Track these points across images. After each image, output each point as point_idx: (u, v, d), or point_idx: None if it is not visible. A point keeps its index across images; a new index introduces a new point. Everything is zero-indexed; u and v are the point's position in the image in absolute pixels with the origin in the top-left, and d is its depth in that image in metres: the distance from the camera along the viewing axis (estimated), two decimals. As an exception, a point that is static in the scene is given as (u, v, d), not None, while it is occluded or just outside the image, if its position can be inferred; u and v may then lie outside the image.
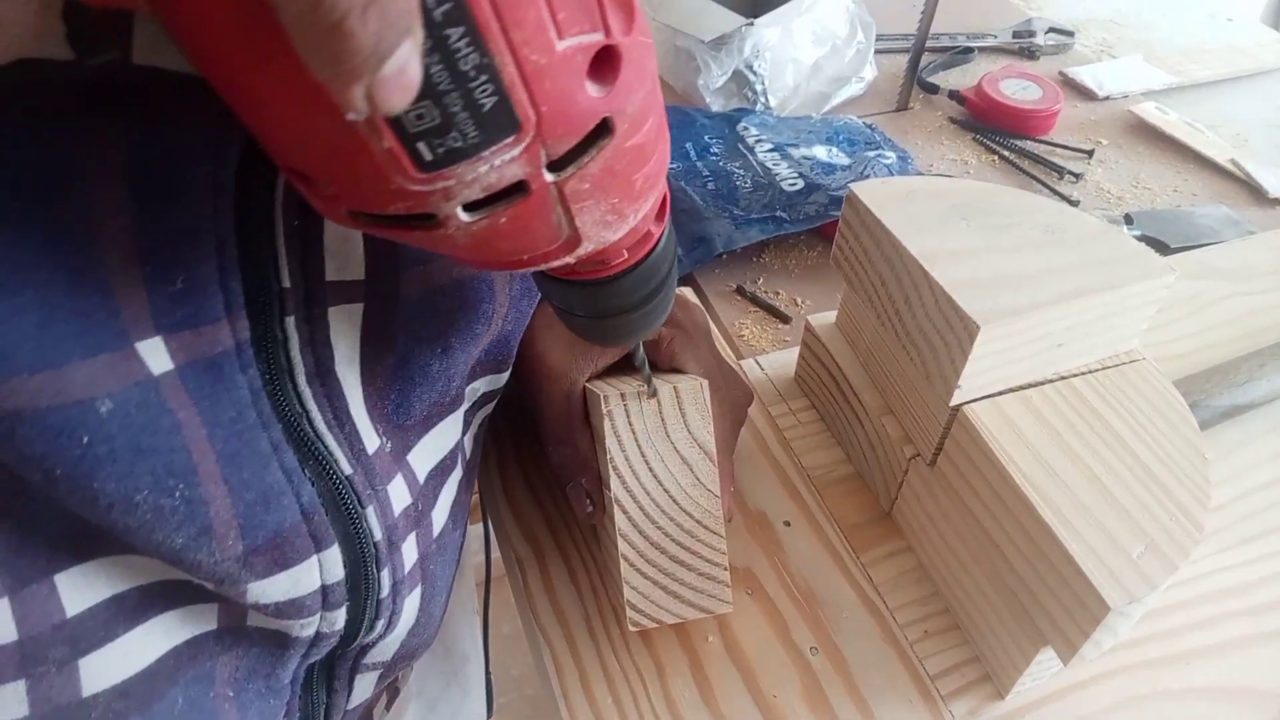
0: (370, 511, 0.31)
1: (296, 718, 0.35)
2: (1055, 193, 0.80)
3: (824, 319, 0.52)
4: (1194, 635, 0.44)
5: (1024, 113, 0.87)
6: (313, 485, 0.29)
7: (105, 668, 0.27)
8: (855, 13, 0.92)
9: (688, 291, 0.65)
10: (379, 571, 0.32)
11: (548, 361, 0.42)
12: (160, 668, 0.29)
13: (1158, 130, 0.88)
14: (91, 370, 0.23)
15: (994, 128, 0.88)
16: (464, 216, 0.20)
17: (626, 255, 0.27)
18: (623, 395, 0.40)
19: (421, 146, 0.18)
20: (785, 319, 0.66)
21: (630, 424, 0.39)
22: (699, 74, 0.85)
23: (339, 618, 0.32)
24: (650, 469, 0.39)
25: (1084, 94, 0.96)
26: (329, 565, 0.30)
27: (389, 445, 0.33)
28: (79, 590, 0.26)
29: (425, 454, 0.36)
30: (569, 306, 0.30)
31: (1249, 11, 1.19)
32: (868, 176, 0.73)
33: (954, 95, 0.91)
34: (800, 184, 0.73)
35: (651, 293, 0.30)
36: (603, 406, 0.39)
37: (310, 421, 0.30)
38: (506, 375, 0.42)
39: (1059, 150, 0.85)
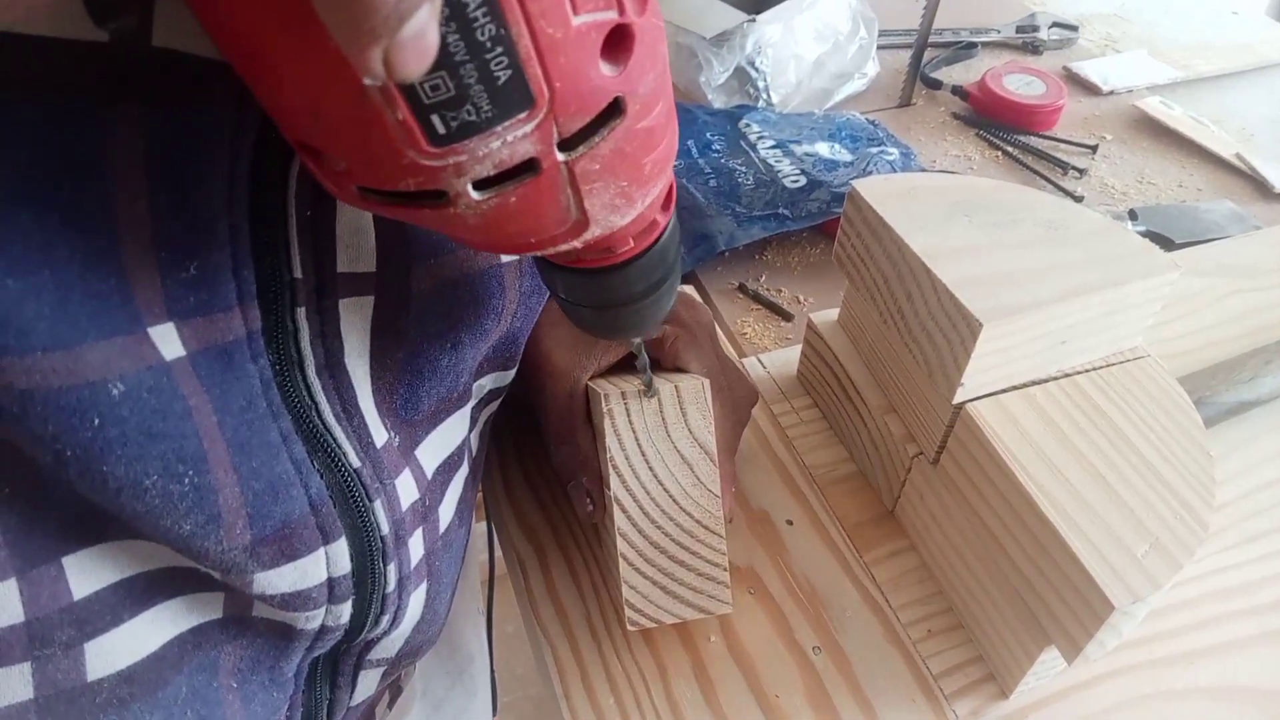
0: (378, 505, 0.32)
1: (300, 713, 0.35)
2: (1059, 188, 0.80)
3: (826, 317, 0.52)
4: (1198, 634, 0.44)
5: (1028, 108, 0.86)
6: (321, 477, 0.30)
7: (111, 652, 0.27)
8: (857, 8, 0.91)
9: (690, 290, 0.65)
10: (385, 566, 0.32)
11: (551, 360, 0.42)
12: (165, 654, 0.29)
13: (1162, 125, 0.88)
14: (105, 352, 0.23)
15: (997, 123, 0.87)
16: (474, 194, 0.20)
17: (632, 244, 0.27)
18: (623, 394, 0.40)
19: (435, 119, 0.18)
20: (788, 317, 0.65)
21: (630, 423, 0.39)
22: (701, 71, 0.85)
23: (344, 611, 0.32)
24: (650, 468, 0.39)
25: (1088, 89, 0.95)
26: (336, 558, 0.30)
27: (397, 439, 0.33)
28: (86, 573, 0.26)
29: (433, 449, 0.36)
30: (573, 297, 0.30)
31: (1255, 5, 1.18)
32: (870, 173, 0.73)
33: (957, 91, 0.91)
34: (802, 181, 0.73)
35: (656, 283, 0.30)
36: (603, 405, 0.39)
37: (319, 413, 0.30)
38: (513, 372, 0.42)
39: (1063, 146, 0.85)
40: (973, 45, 1.01)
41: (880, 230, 0.42)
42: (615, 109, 0.20)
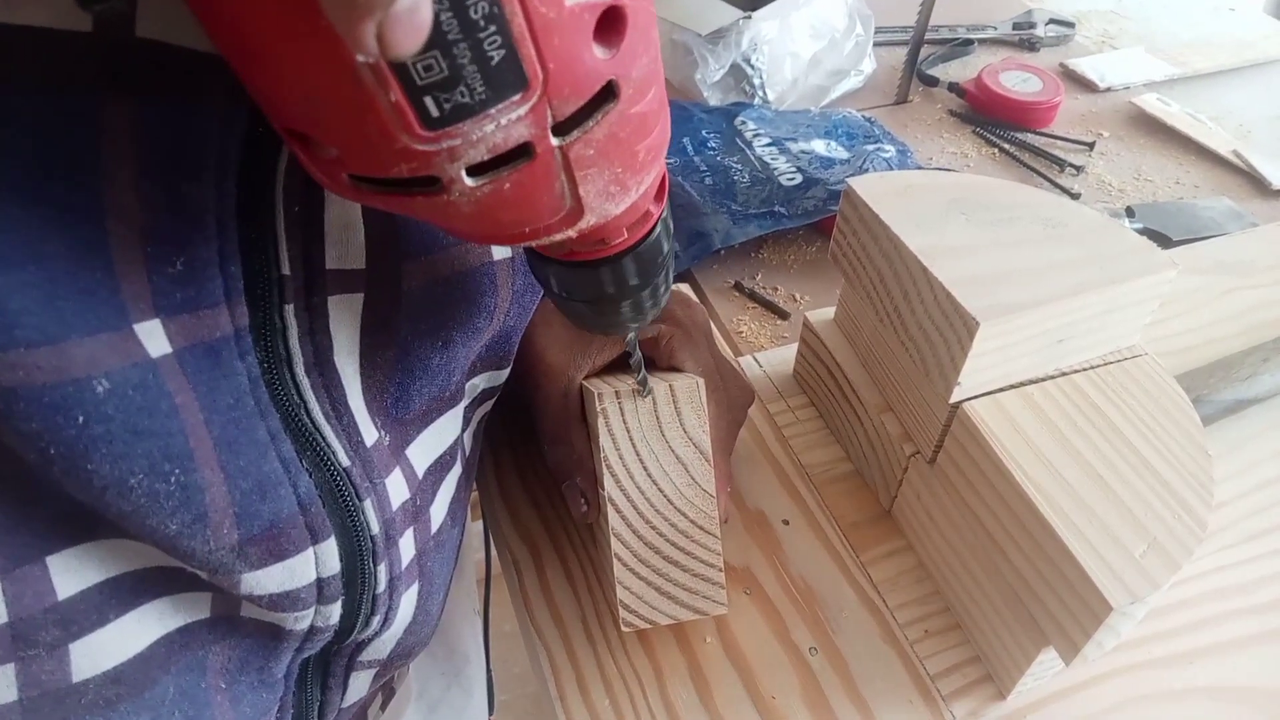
0: (368, 504, 0.31)
1: (290, 714, 0.35)
2: (1056, 186, 0.79)
3: (822, 315, 0.52)
4: (1197, 634, 0.43)
5: (1024, 105, 0.86)
6: (310, 476, 0.29)
7: (97, 653, 0.27)
8: (854, 5, 0.91)
9: (686, 288, 0.65)
10: (375, 566, 0.32)
11: (545, 359, 0.42)
12: (152, 654, 0.29)
13: (1159, 122, 0.88)
14: (91, 348, 0.23)
15: (994, 120, 0.87)
16: (468, 181, 0.19)
17: (626, 235, 0.27)
18: (617, 393, 0.39)
19: (428, 101, 0.17)
20: (784, 315, 0.65)
21: (625, 422, 0.39)
22: (696, 68, 0.85)
23: (334, 612, 0.32)
24: (645, 468, 0.39)
25: (1085, 86, 0.95)
26: (325, 558, 0.30)
27: (387, 438, 0.33)
28: (72, 572, 0.26)
29: (424, 449, 0.35)
30: (566, 291, 0.30)
31: (1252, 2, 1.18)
32: (866, 170, 0.73)
33: (953, 88, 0.90)
34: (799, 178, 0.72)
35: (650, 277, 0.29)
36: (597, 404, 0.39)
37: (308, 412, 0.29)
38: (507, 372, 0.42)
39: (1059, 143, 0.85)
40: (969, 42, 1.00)
41: (876, 228, 0.42)
42: (609, 92, 0.20)
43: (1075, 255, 0.40)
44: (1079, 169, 0.81)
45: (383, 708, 0.47)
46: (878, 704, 0.40)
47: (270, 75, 0.18)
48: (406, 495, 0.34)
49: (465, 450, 0.41)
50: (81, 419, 0.23)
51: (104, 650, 0.27)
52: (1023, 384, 0.41)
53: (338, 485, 0.30)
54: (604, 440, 0.39)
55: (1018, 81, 0.88)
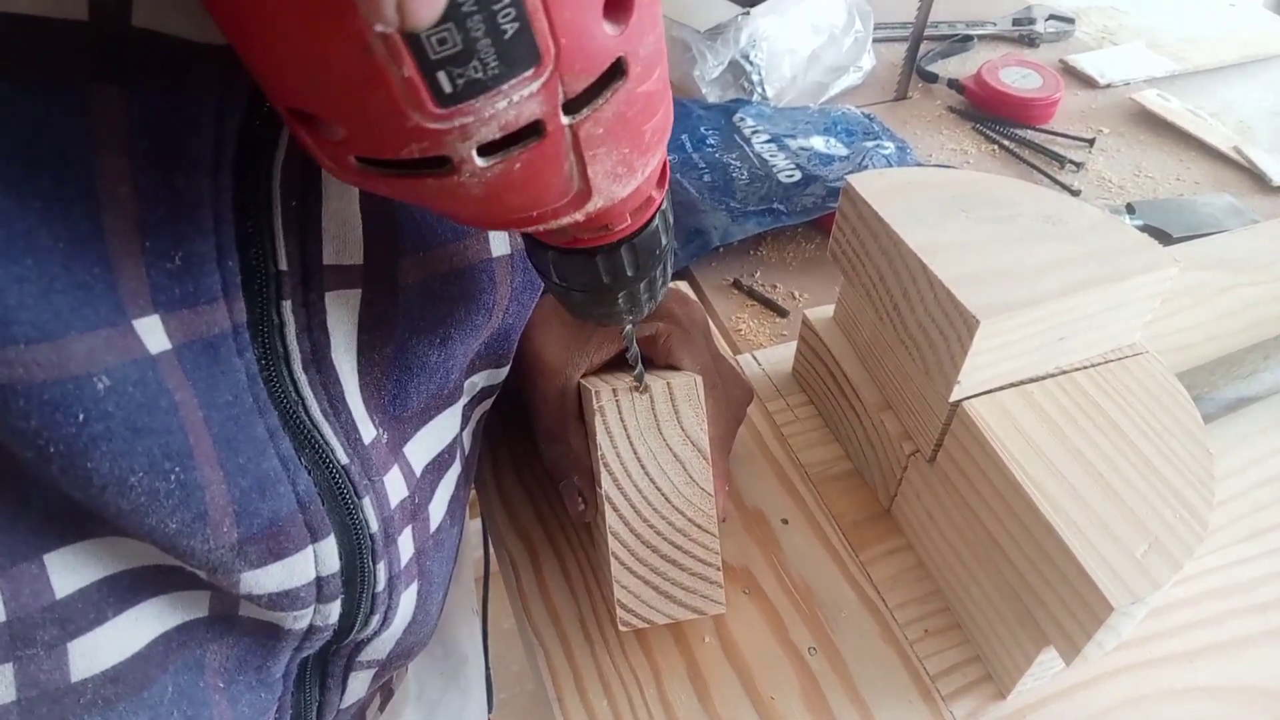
0: (367, 502, 0.31)
1: (288, 715, 0.35)
2: (1056, 182, 0.79)
3: (822, 313, 0.52)
4: (1198, 633, 0.43)
5: (1024, 101, 0.86)
6: (309, 474, 0.29)
7: (95, 652, 0.27)
8: (853, 1, 0.91)
9: (684, 286, 0.65)
10: (375, 565, 0.32)
11: (543, 357, 0.42)
12: (150, 653, 0.28)
13: (1159, 118, 0.87)
14: (90, 345, 0.22)
15: (994, 117, 0.87)
16: (479, 161, 0.19)
17: (629, 220, 0.27)
18: (614, 390, 0.39)
19: (441, 76, 0.17)
20: (783, 313, 0.65)
21: (622, 419, 0.39)
22: (694, 65, 0.84)
23: (333, 611, 0.32)
24: (642, 466, 0.39)
25: (1085, 82, 0.95)
26: (324, 556, 0.30)
27: (385, 436, 0.32)
28: (70, 571, 0.26)
29: (422, 447, 0.35)
30: (566, 280, 0.29)
31: (1251, -3, 1.17)
32: (866, 167, 0.72)
33: (953, 84, 0.90)
34: (798, 175, 0.72)
35: (650, 265, 0.29)
36: (594, 401, 0.39)
37: (306, 409, 0.29)
38: (506, 370, 0.41)
39: (1060, 139, 0.84)
40: (969, 38, 1.00)
41: (876, 226, 0.42)
42: (618, 70, 0.20)
43: (1076, 252, 0.40)
44: (1079, 165, 0.81)
45: (381, 708, 0.47)
46: (877, 704, 0.40)
47: (277, 50, 0.18)
48: (405, 493, 0.33)
49: (464, 449, 0.40)
50: (81, 416, 0.22)
51: (102, 649, 0.27)
52: (1023, 382, 0.40)
53: (336, 483, 0.30)
54: (601, 438, 0.38)
55: (1017, 78, 0.88)
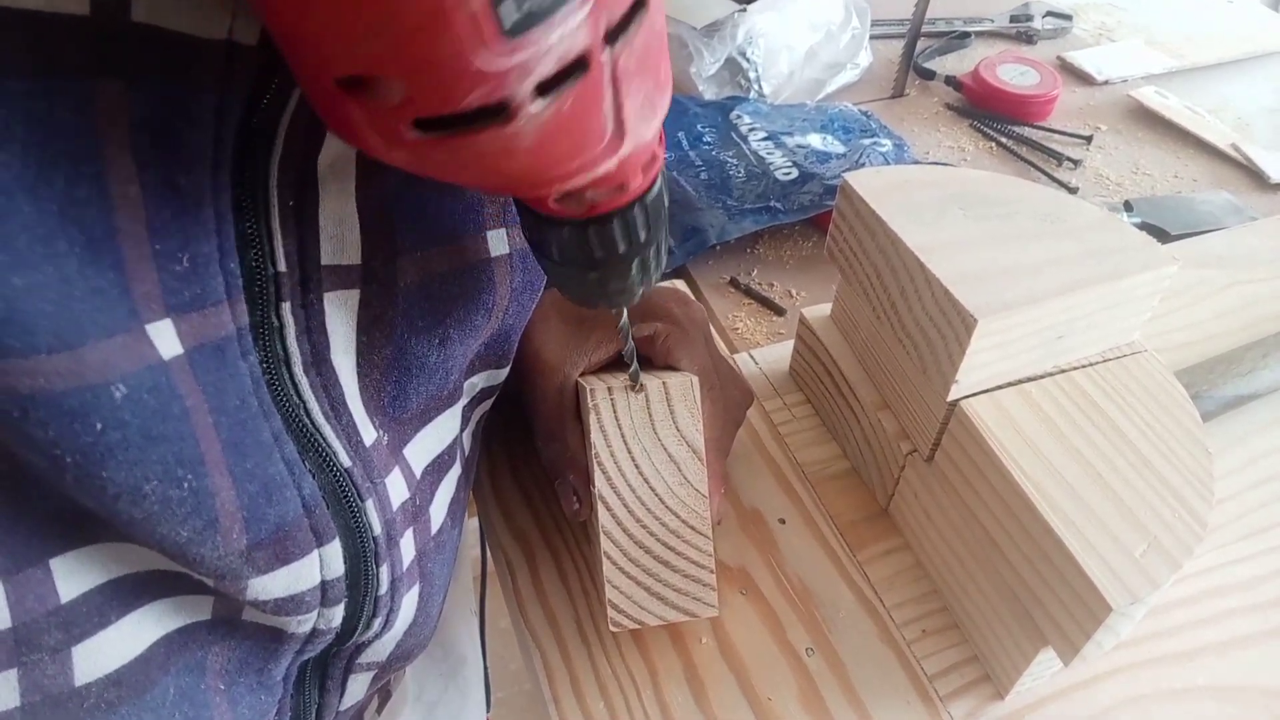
0: (370, 505, 0.31)
1: (288, 717, 0.35)
2: (1054, 180, 0.79)
3: (819, 312, 0.51)
4: (1197, 632, 0.43)
5: (1022, 98, 0.85)
6: (313, 478, 0.29)
7: (98, 655, 0.26)
8: (850, -2, 0.90)
9: (681, 285, 0.64)
10: (378, 568, 0.32)
11: (542, 355, 0.42)
12: (152, 655, 0.28)
13: (1157, 115, 0.87)
14: (106, 352, 0.22)
15: (991, 114, 0.87)
16: (534, 106, 0.20)
17: (641, 178, 0.27)
18: (609, 389, 0.39)
19: (506, 7, 0.18)
20: (780, 311, 0.65)
21: (617, 419, 0.38)
22: (691, 62, 0.84)
23: (337, 614, 0.31)
24: (636, 466, 0.38)
25: (1082, 79, 0.94)
26: (330, 560, 0.30)
27: (386, 438, 0.32)
28: (74, 575, 0.25)
29: (422, 448, 0.35)
30: (566, 255, 0.29)
31: (1249, -7, 1.17)
32: (863, 165, 0.72)
33: (950, 81, 0.90)
34: (795, 173, 0.72)
35: (659, 227, 0.29)
36: (589, 399, 0.38)
37: (308, 412, 0.29)
38: (506, 371, 0.41)
39: (1057, 136, 0.84)
40: (966, 35, 1.00)
41: (873, 224, 0.41)
42: (640, 0, 0.21)
43: (1074, 251, 0.40)
44: (1077, 163, 0.81)
45: (379, 710, 0.47)
46: (875, 705, 0.40)
47: (334, 16, 0.18)
48: (406, 495, 0.33)
49: (464, 450, 0.40)
50: (99, 426, 0.22)
51: (105, 652, 0.27)
52: (1021, 381, 0.40)
53: (340, 486, 0.30)
54: (595, 436, 0.38)
55: (1015, 75, 0.87)
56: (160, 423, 0.24)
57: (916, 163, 0.77)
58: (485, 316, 0.35)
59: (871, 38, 0.91)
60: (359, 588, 0.31)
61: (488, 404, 0.43)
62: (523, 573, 0.45)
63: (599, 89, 0.21)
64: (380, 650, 0.36)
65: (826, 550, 0.46)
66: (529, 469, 0.49)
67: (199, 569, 0.26)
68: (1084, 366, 0.41)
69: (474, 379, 0.39)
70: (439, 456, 0.36)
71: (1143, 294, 0.40)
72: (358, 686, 0.38)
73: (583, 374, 0.42)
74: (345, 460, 0.30)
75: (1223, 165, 0.82)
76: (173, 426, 0.24)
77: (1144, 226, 0.71)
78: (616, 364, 0.43)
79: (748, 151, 0.75)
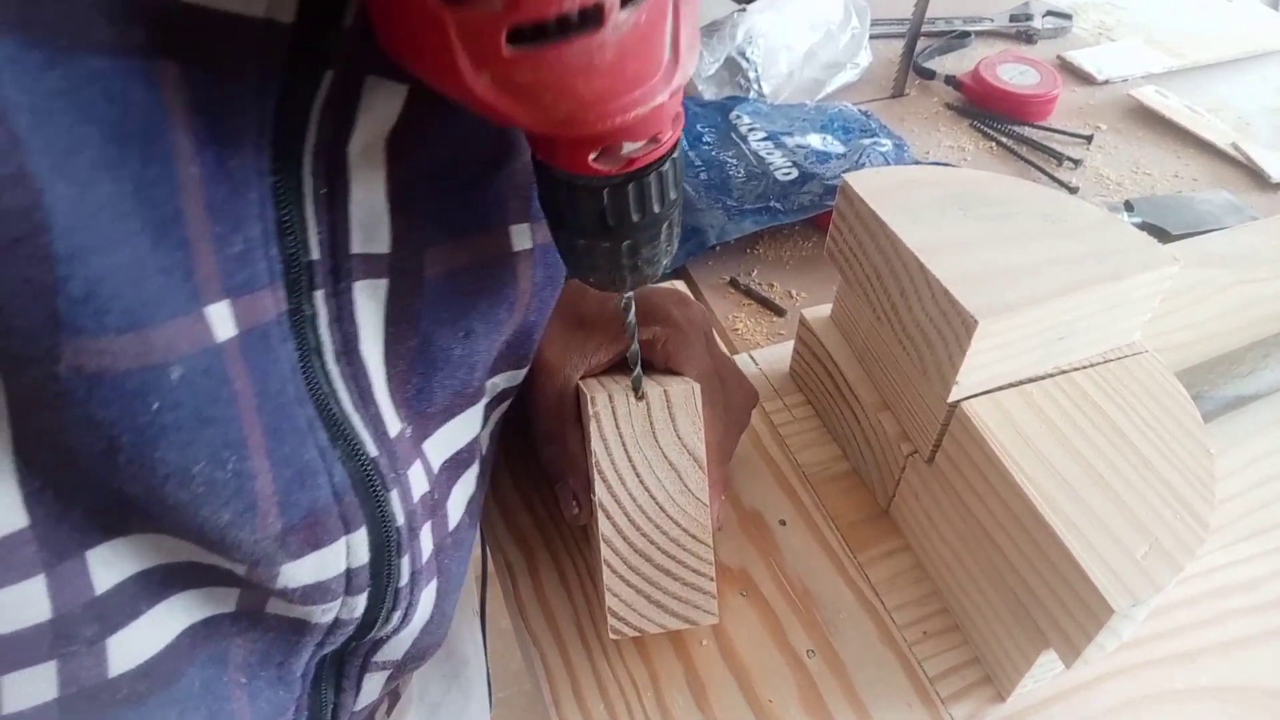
0: (394, 495, 0.31)
1: (305, 716, 0.35)
2: (1054, 179, 0.79)
3: (819, 313, 0.51)
4: (1199, 633, 0.43)
5: (1022, 98, 0.85)
6: (342, 465, 0.29)
7: (130, 646, 0.27)
8: (849, -2, 0.90)
9: (682, 286, 0.64)
10: (399, 559, 0.32)
11: (543, 355, 0.42)
12: (179, 645, 0.28)
13: (1158, 115, 0.87)
14: (169, 333, 0.22)
15: (991, 113, 0.87)
16: (621, 13, 0.21)
17: (671, 131, 0.27)
18: (610, 396, 0.39)
19: None
20: (780, 312, 0.65)
21: (617, 426, 0.38)
22: (691, 62, 0.84)
23: (359, 604, 0.32)
24: (637, 474, 0.38)
25: (1083, 78, 0.94)
26: (356, 548, 0.30)
27: (409, 430, 0.33)
28: (108, 566, 0.25)
29: (441, 444, 0.35)
30: (583, 223, 0.28)
31: (1249, -8, 1.17)
32: (863, 165, 0.72)
33: (950, 81, 0.90)
34: (794, 173, 0.72)
35: (680, 191, 0.29)
36: (589, 407, 0.38)
37: (338, 401, 0.29)
38: (525, 372, 0.41)
39: (1057, 136, 0.84)
40: (966, 34, 1.00)
41: (873, 224, 0.41)
42: None
43: (1075, 251, 0.39)
44: (1077, 162, 0.81)
45: (389, 712, 0.47)
46: (876, 707, 0.40)
47: None
48: (425, 488, 0.34)
49: (483, 450, 0.40)
50: (156, 406, 0.22)
51: (137, 643, 0.27)
52: (1022, 382, 0.40)
53: (367, 475, 0.30)
54: (595, 444, 0.38)
55: (1015, 74, 0.87)
56: (211, 405, 0.24)
57: (916, 163, 0.77)
58: (508, 311, 0.35)
59: (871, 37, 0.91)
60: (381, 578, 0.32)
61: (505, 405, 0.43)
62: (523, 575, 0.44)
63: (665, 6, 0.22)
64: (396, 648, 0.36)
65: (827, 552, 0.46)
66: (529, 469, 0.49)
67: (235, 554, 0.27)
68: (1085, 367, 0.41)
69: (495, 379, 0.39)
70: (457, 453, 0.36)
71: (1143, 294, 0.40)
72: (372, 686, 0.38)
73: (583, 376, 0.42)
74: (372, 450, 0.30)
75: (1223, 165, 0.81)
76: (222, 409, 0.24)
77: (1144, 226, 0.71)
78: (617, 366, 0.43)
79: (747, 152, 0.75)
